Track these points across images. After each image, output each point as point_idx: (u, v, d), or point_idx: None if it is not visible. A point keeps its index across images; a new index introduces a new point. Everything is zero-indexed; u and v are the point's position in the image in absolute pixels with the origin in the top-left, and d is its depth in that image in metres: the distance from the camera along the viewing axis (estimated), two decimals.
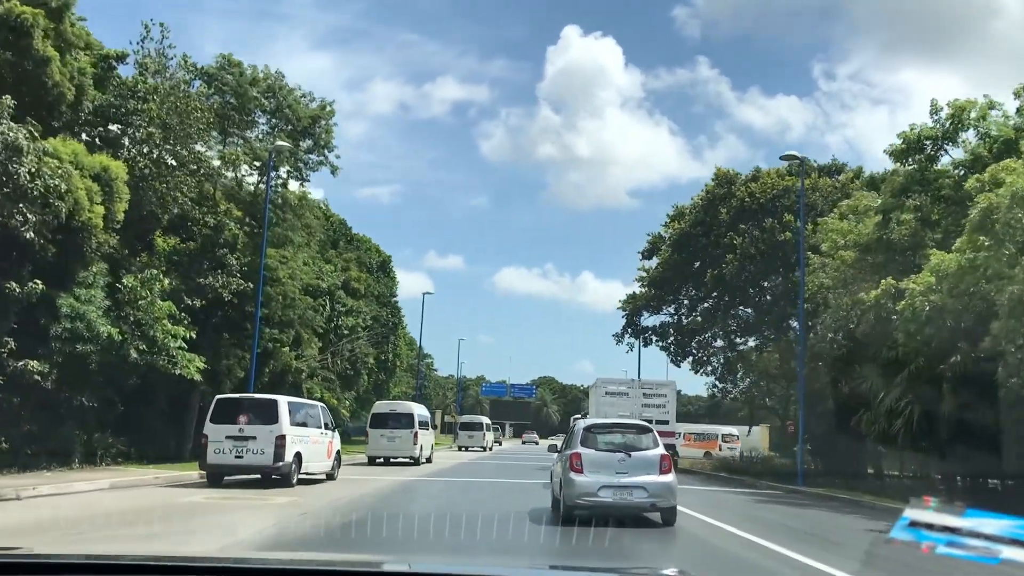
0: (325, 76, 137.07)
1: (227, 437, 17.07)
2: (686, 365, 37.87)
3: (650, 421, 21.38)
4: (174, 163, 22.99)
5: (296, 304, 28.51)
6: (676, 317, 36.95)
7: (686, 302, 36.21)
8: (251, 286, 25.02)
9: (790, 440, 49.50)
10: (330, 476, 19.86)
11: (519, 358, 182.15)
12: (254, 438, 16.94)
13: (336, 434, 21.00)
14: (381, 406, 30.28)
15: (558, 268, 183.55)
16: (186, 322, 23.11)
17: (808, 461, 33.42)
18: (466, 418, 54.09)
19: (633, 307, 36.88)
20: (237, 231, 25.56)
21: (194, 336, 22.56)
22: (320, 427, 19.57)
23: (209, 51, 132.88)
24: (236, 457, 16.97)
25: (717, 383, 38.75)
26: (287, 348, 30.16)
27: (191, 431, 26.84)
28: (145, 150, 22.24)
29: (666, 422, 22.47)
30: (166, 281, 21.38)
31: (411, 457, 27.82)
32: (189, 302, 23.56)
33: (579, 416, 24.11)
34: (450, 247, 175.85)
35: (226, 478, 17.55)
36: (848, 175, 31.75)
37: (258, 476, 17.61)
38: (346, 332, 36.07)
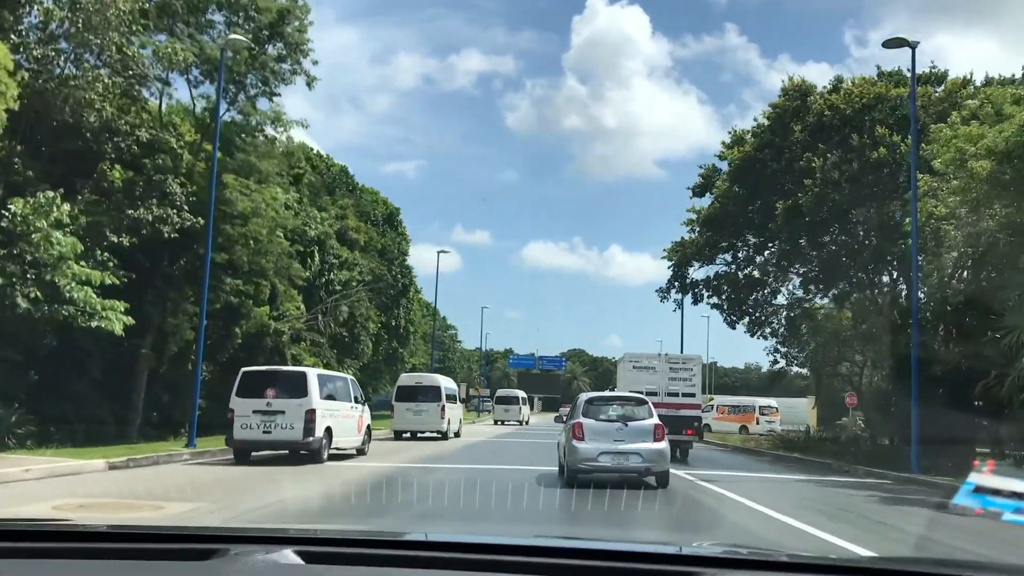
0: (351, 50, 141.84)
1: (254, 411, 16.53)
2: (741, 327, 32.13)
3: (677, 394, 21.51)
4: (88, 58, 17.88)
5: (268, 249, 23.43)
6: (732, 267, 30.98)
7: (745, 249, 30.35)
8: (202, 222, 19.99)
9: (842, 413, 44.01)
10: (360, 451, 19.33)
11: (548, 332, 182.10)
12: (282, 412, 16.48)
13: (366, 407, 20.13)
14: (407, 378, 29.45)
15: (586, 242, 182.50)
16: (111, 265, 18.20)
17: (874, 436, 27.96)
18: (503, 392, 53.77)
19: (681, 256, 30.57)
20: (181, 150, 20.49)
21: (118, 282, 17.62)
22: (350, 400, 19.00)
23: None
24: (264, 432, 16.50)
25: (779, 347, 32.95)
26: (266, 307, 25.23)
27: (139, 404, 22.12)
28: (45, 36, 17.16)
29: (692, 395, 22.15)
30: (65, 207, 16.31)
31: (438, 431, 27.28)
32: (115, 239, 18.59)
33: (609, 389, 24.52)
34: (477, 221, 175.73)
35: (253, 454, 17.00)
36: (953, 82, 25.67)
37: (286, 452, 16.97)
38: (339, 288, 30.96)
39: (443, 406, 27.39)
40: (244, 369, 17.73)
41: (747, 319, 31.68)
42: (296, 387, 16.75)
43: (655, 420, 13.73)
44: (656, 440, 13.31)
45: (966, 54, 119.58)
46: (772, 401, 49.58)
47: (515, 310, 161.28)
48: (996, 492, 2.34)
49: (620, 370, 23.50)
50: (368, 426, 20.03)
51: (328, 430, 17.08)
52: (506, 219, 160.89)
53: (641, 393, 19.41)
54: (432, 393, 27.57)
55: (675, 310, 33.49)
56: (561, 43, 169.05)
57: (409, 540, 2.51)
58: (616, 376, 24.29)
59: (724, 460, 24.17)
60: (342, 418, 18.03)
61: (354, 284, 31.69)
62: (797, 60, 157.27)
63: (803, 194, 24.23)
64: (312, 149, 38.60)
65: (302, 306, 28.39)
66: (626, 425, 13.51)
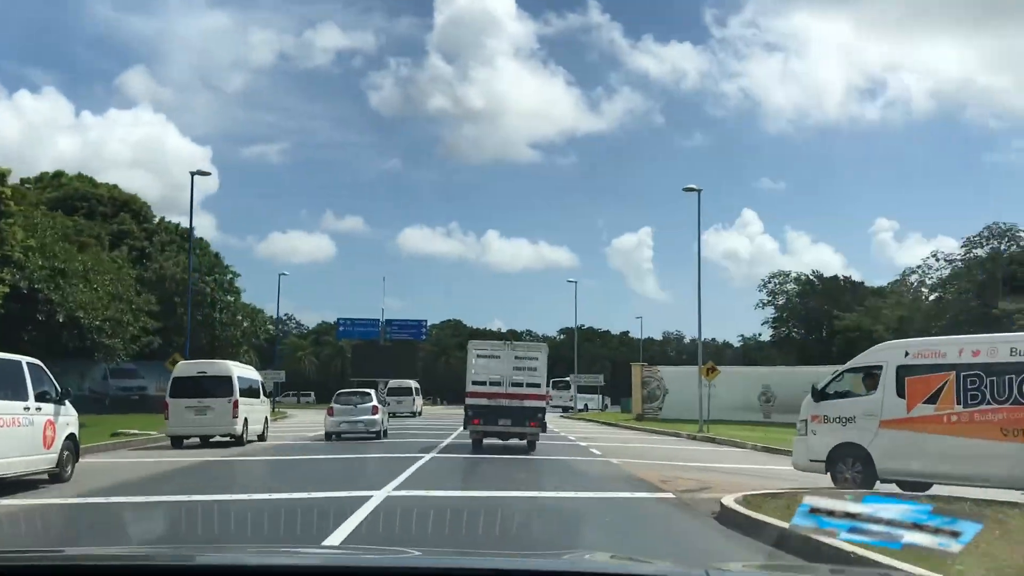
0: (226, 34, 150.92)
1: None
2: None
3: (521, 384, 23.49)
4: None
5: None
6: None
7: None
8: None
9: None
10: (57, 476, 15.15)
11: (427, 318, 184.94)
12: None
13: (66, 407, 15.75)
14: (185, 367, 27.54)
15: (462, 227, 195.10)
16: None
17: None
18: (394, 383, 57.09)
19: None
20: None
21: None
22: (24, 397, 14.22)
23: (101, 12, 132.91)
24: None
25: None
26: None
27: None
28: None
29: (537, 384, 23.82)
30: None
31: (231, 435, 25.57)
32: None
33: None
34: (348, 207, 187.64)
35: None
36: None
37: None
38: None
39: (235, 401, 25.67)
40: None
41: None
42: None
43: (374, 403, 28.76)
44: (373, 414, 28.15)
45: (824, 35, 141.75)
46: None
47: (394, 297, 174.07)
48: (831, 513, 2.47)
49: (469, 357, 24.82)
50: (72, 435, 15.82)
51: None
52: (378, 204, 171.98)
53: (484, 384, 23.51)
54: (221, 385, 25.98)
55: None
56: (423, 22, 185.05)
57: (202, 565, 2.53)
58: (467, 364, 25.04)
59: None
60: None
61: None
62: (660, 40, 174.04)
63: None
64: None
65: None
66: (356, 406, 28.39)
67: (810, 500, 2.62)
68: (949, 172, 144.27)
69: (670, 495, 13.63)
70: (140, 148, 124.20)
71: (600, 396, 76.21)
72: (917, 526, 2.36)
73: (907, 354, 14.07)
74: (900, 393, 13.85)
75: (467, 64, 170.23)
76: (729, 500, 10.99)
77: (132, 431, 28.00)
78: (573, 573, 2.56)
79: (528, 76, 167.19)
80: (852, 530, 2.54)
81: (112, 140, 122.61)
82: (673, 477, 16.27)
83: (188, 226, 47.66)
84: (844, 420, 14.33)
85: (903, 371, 13.90)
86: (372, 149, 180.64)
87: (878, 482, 13.77)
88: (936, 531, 2.34)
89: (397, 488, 13.33)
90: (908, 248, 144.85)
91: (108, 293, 38.27)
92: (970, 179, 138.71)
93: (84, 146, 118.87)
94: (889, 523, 2.39)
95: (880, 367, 14.15)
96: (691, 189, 38.54)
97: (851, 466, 14.03)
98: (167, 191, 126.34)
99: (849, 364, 15.39)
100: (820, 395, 14.81)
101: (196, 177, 39.14)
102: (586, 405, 73.92)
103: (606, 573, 2.64)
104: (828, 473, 14.31)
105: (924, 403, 13.59)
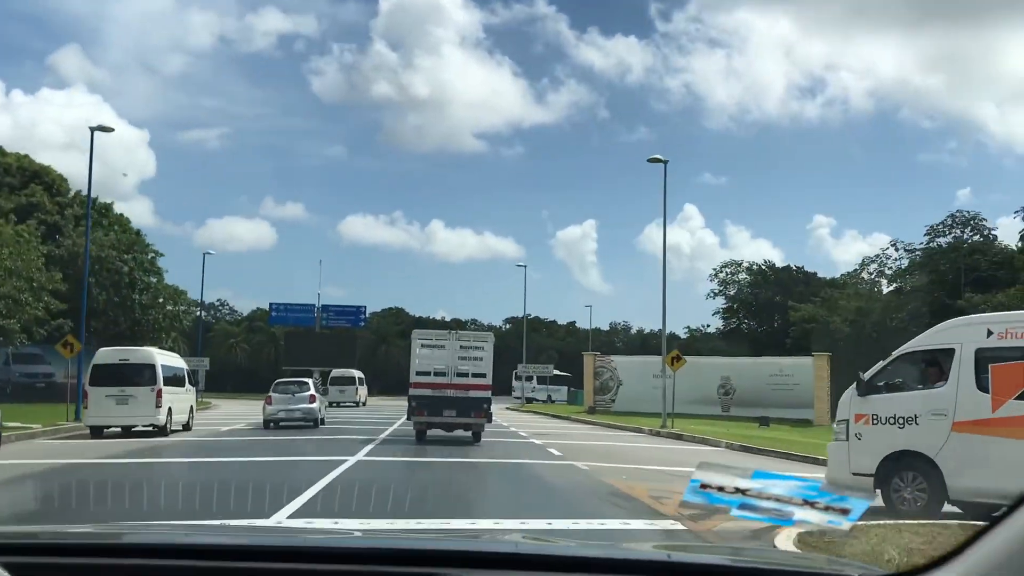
0: (164, 15, 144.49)
1: None
2: None
3: (467, 375, 23.53)
4: None
5: None
6: None
7: None
8: None
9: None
10: None
11: (369, 304, 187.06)
12: None
13: None
14: (107, 354, 26.85)
15: (407, 216, 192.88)
16: None
17: None
18: (337, 372, 56.67)
19: None
20: None
21: None
22: None
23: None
24: None
25: None
26: None
27: None
28: None
29: (483, 375, 23.74)
30: None
31: (154, 425, 25.27)
32: None
33: None
34: (288, 193, 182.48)
35: None
36: None
37: None
38: None
39: (159, 390, 25.18)
40: None
41: None
42: None
43: (311, 392, 29.84)
44: (310, 402, 29.44)
45: (765, 32, 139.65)
46: None
47: (335, 286, 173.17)
48: (720, 489, 2.35)
49: (412, 347, 24.90)
50: None
51: None
52: (320, 191, 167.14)
53: (429, 375, 23.48)
54: (144, 373, 25.37)
55: None
56: (368, 8, 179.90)
57: (165, 545, 2.46)
58: (411, 353, 25.17)
59: None
60: None
61: None
62: (605, 33, 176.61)
63: None
64: None
65: None
66: (294, 396, 29.56)
67: (699, 475, 2.30)
68: (885, 171, 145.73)
69: (678, 525, 10.19)
70: (74, 130, 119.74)
71: (567, 388, 72.57)
72: (808, 503, 2.29)
73: (990, 333, 10.86)
74: (982, 385, 10.71)
75: (412, 52, 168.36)
76: (787, 543, 7.92)
77: (12, 424, 24.33)
78: (556, 557, 2.46)
79: (474, 65, 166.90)
80: (743, 507, 2.38)
81: (45, 120, 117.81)
82: (665, 491, 13.12)
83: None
84: (902, 421, 11.22)
85: (985, 356, 10.75)
86: (314, 135, 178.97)
87: (947, 504, 10.85)
88: (827, 508, 2.27)
89: (294, 515, 10.06)
90: (845, 245, 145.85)
91: (5, 269, 34.50)
92: (904, 178, 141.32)
93: (14, 126, 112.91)
94: (779, 499, 2.31)
95: (951, 351, 11.05)
96: (657, 160, 36.40)
97: (911, 482, 11.04)
98: (104, 174, 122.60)
99: (905, 347, 12.09)
100: (868, 387, 11.68)
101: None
102: (549, 396, 70.68)
103: (568, 556, 2.51)
104: (878, 490, 11.07)
105: (1018, 399, 10.41)
